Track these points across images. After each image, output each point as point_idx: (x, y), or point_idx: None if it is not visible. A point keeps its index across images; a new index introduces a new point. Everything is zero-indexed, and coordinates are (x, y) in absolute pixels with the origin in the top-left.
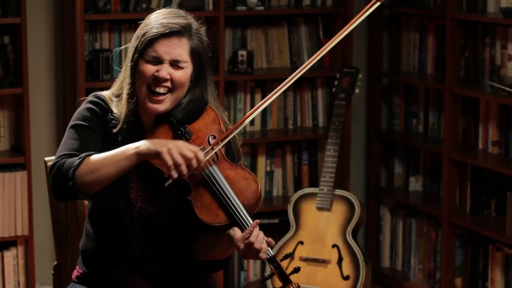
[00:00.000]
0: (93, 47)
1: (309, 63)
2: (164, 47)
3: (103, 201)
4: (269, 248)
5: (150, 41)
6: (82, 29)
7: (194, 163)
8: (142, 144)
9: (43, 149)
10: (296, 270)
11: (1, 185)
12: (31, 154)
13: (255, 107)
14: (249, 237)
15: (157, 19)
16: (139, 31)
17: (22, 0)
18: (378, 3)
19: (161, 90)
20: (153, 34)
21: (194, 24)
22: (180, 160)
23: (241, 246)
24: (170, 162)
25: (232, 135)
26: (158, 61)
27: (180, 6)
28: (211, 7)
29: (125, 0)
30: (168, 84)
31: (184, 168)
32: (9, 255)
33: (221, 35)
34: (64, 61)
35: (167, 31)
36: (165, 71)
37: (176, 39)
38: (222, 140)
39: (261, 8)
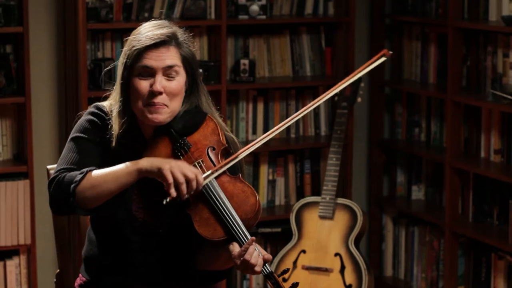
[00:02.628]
0: (95, 56)
1: (315, 103)
2: (153, 60)
3: (103, 213)
4: (266, 264)
5: (138, 55)
6: (85, 38)
7: (194, 184)
8: (144, 161)
9: (46, 157)
10: (294, 286)
11: (4, 194)
12: (33, 163)
13: (262, 136)
14: (244, 254)
15: (142, 33)
16: (126, 48)
17: (24, 9)
18: (383, 58)
19: (158, 105)
20: (140, 46)
21: (180, 33)
22: (181, 178)
23: (238, 262)
24: (170, 180)
25: (236, 160)
26: (150, 73)
27: (182, 15)
28: (213, 15)
29: (127, 9)
30: (164, 97)
31: (184, 188)
32: (12, 264)
33: (223, 44)
34: (66, 70)
35: (153, 42)
36: (159, 84)
37: (164, 49)
38: (224, 166)
39: (263, 16)
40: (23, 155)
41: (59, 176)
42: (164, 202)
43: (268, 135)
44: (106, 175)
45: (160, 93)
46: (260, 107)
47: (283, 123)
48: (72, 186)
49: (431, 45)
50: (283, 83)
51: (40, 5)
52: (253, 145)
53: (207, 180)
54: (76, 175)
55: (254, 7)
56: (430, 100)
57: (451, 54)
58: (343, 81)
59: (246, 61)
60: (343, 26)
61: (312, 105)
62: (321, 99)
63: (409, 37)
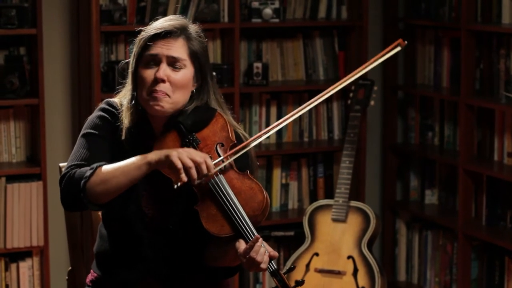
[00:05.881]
0: (109, 59)
1: (326, 93)
2: (159, 48)
3: (114, 210)
4: (272, 262)
5: (146, 44)
6: (98, 41)
7: (204, 168)
8: (152, 154)
9: (59, 159)
10: (300, 283)
11: (17, 196)
12: (46, 165)
13: (271, 126)
14: (250, 251)
15: (154, 25)
16: (137, 38)
17: (38, 11)
18: (398, 48)
19: (160, 94)
20: (149, 36)
21: (191, 27)
22: (190, 163)
23: (244, 260)
24: (179, 165)
25: (246, 149)
26: (155, 62)
27: (196, 18)
28: (226, 19)
29: (140, 12)
30: (167, 86)
31: (194, 172)
32: (24, 265)
33: (236, 47)
34: (79, 72)
35: (160, 32)
36: (163, 72)
37: (172, 40)
38: (235, 153)
39: (276, 20)
40: (37, 156)
41: (70, 172)
42: (175, 187)
43: (281, 122)
44: (115, 169)
45: (163, 81)
46: (273, 110)
47: (296, 110)
48: (83, 181)
49: (444, 49)
50: (296, 87)
51: (53, 7)
52: (266, 133)
53: (218, 168)
54: (86, 170)
55: (267, 11)
56: (443, 104)
57: (464, 57)
58: (359, 69)
59: (259, 65)
60: (356, 30)
61: (327, 92)
62: (337, 86)
63: (422, 41)
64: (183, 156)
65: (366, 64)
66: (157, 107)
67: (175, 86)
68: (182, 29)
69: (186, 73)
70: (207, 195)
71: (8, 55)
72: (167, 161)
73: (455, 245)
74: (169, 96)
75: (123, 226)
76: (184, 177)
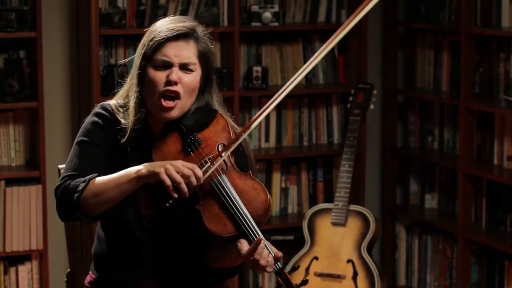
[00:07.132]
0: (108, 62)
1: (317, 56)
2: (172, 50)
3: (112, 214)
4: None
5: (158, 46)
6: (98, 44)
7: (193, 180)
8: (142, 167)
9: (58, 163)
10: (304, 282)
11: (16, 199)
12: (46, 168)
13: (256, 115)
14: (253, 253)
15: (163, 24)
16: (145, 38)
17: (37, 14)
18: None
19: (172, 94)
20: (161, 38)
21: (199, 28)
22: (178, 178)
23: (247, 262)
24: (168, 182)
25: (233, 147)
26: (167, 65)
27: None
28: (226, 22)
29: (140, 16)
30: (179, 88)
31: (184, 187)
32: (24, 269)
33: (236, 51)
34: (79, 75)
35: (174, 34)
36: (175, 74)
37: (183, 42)
38: (222, 154)
39: (276, 24)
40: (36, 160)
41: (64, 184)
42: (167, 204)
43: (267, 108)
44: (108, 182)
45: (176, 83)
46: (273, 114)
47: (281, 91)
48: (76, 195)
49: (444, 53)
50: (296, 91)
51: (53, 11)
52: (254, 121)
53: (208, 173)
54: (80, 183)
55: (267, 15)
56: (443, 108)
57: (464, 60)
58: (344, 25)
59: (258, 68)
60: (356, 34)
61: (316, 57)
62: (326, 47)
63: (422, 45)
64: (171, 172)
65: (348, 20)
66: (168, 117)
67: (186, 88)
68: (193, 31)
69: (196, 76)
70: (209, 195)
71: (8, 58)
72: (157, 178)
73: (455, 249)
74: (179, 99)
75: (122, 228)
76: (174, 194)
